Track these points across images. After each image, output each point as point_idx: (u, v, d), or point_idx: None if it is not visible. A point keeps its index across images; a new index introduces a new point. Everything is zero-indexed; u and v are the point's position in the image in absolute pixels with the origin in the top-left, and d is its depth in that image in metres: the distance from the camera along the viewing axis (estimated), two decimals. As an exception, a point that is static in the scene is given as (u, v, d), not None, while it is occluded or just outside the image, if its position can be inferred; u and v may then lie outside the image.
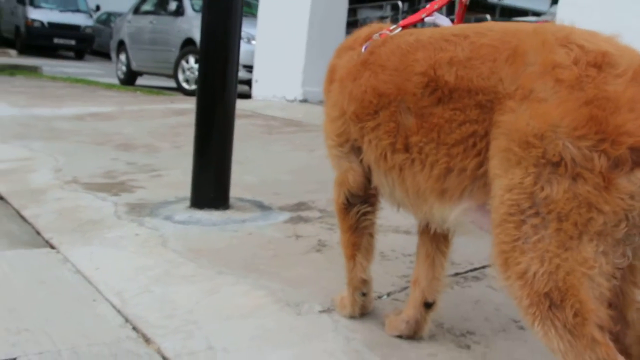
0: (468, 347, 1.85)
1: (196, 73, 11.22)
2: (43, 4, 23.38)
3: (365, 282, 1.94)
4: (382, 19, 15.41)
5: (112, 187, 3.48)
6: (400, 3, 14.43)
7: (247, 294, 2.18)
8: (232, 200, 3.16)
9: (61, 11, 23.21)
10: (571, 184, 1.19)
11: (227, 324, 1.98)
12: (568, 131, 1.18)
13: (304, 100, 6.65)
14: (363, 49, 1.73)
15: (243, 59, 10.10)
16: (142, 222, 2.88)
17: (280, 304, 2.09)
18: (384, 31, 1.75)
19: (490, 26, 1.46)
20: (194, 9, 12.05)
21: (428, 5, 1.80)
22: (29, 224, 2.94)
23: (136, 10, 13.76)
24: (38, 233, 2.82)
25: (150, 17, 13.01)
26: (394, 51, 1.61)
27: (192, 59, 10.71)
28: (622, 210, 1.17)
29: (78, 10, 23.68)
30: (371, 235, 1.90)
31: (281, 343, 1.86)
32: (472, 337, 1.90)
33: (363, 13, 16.02)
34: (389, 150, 1.59)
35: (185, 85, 10.76)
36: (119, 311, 2.08)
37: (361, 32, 1.87)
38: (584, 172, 1.17)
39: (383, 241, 2.61)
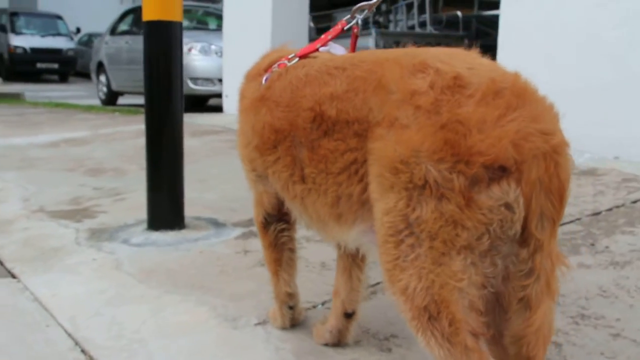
0: (389, 350, 1.97)
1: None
2: (24, 31, 23.58)
3: (290, 295, 2.06)
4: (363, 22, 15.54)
5: (76, 213, 3.61)
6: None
7: (189, 311, 2.31)
8: (188, 220, 3.29)
9: (42, 36, 23.41)
10: (437, 204, 1.28)
11: (169, 341, 2.10)
12: (428, 155, 1.27)
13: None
14: (263, 81, 1.85)
15: (217, 73, 10.25)
16: (100, 247, 3.01)
17: (219, 319, 2.22)
18: (283, 61, 1.86)
19: (365, 57, 1.58)
20: (168, 27, 12.19)
21: (322, 36, 1.92)
22: (-7, 254, 3.07)
23: (113, 31, 13.90)
24: (1, 263, 2.94)
25: (127, 37, 13.13)
26: (286, 87, 1.71)
27: (169, 77, 10.85)
28: (483, 225, 1.27)
29: (59, 34, 23.87)
30: (291, 251, 2.03)
31: (216, 356, 1.99)
32: (395, 340, 2.03)
33: (340, 17, 16.16)
34: (289, 181, 1.71)
35: (163, 102, 10.90)
36: (69, 335, 2.20)
37: (266, 59, 1.98)
38: (447, 192, 1.26)
39: (325, 251, 2.76)
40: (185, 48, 11.44)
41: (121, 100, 13.20)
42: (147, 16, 3.04)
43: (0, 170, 4.90)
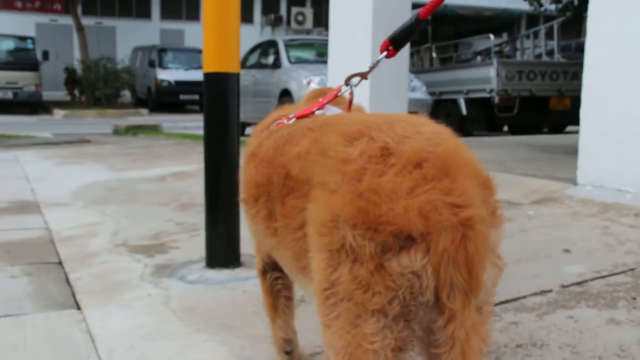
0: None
1: (292, 122, 11.88)
2: (170, 65, 25.42)
3: (286, 341, 2.15)
4: (485, 51, 15.32)
5: (152, 248, 3.89)
6: (492, 36, 14.39)
7: (211, 350, 2.45)
8: (246, 258, 3.46)
9: (186, 70, 25.09)
10: (352, 268, 1.34)
11: (181, 379, 2.26)
12: (345, 220, 1.34)
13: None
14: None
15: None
16: (158, 282, 3.24)
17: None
18: (282, 120, 1.97)
19: (330, 119, 1.66)
20: (289, 62, 12.72)
21: (321, 99, 2.01)
22: (70, 286, 3.39)
23: (243, 64, 14.68)
24: (73, 295, 3.25)
25: (253, 71, 13.85)
26: (271, 145, 1.82)
27: (288, 110, 11.28)
28: (392, 290, 1.32)
29: (201, 67, 25.43)
30: (287, 298, 2.11)
31: (215, 397, 2.12)
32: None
33: (464, 46, 15.97)
34: (267, 233, 1.82)
35: (282, 134, 11.36)
36: (104, 367, 2.42)
37: (271, 116, 2.10)
38: (359, 257, 1.32)
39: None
40: (304, 81, 11.86)
41: (249, 131, 13.86)
42: (206, 68, 3.27)
43: (104, 203, 5.36)
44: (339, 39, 7.51)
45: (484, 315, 1.50)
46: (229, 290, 3.09)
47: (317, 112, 1.98)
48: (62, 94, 26.06)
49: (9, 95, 22.69)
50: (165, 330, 2.68)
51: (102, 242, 4.14)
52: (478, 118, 13.07)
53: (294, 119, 1.92)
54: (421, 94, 11.62)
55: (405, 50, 7.13)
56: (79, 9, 26.35)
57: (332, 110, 2.02)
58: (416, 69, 14.69)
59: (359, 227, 1.32)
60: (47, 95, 24.69)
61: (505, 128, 14.62)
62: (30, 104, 23.01)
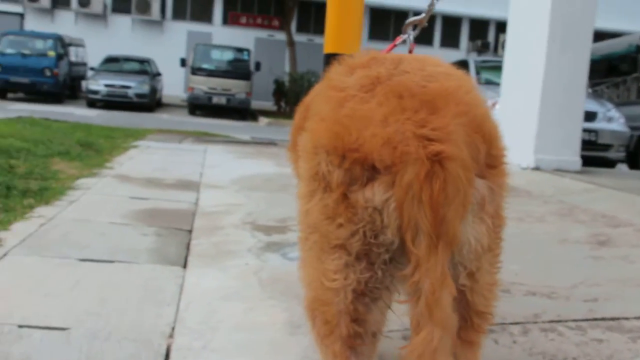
0: None
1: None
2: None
3: None
4: None
5: (273, 229, 4.01)
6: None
7: (272, 314, 2.48)
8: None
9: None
10: (322, 197, 1.31)
11: (231, 334, 2.31)
12: (322, 146, 1.32)
13: (536, 168, 6.47)
14: None
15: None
16: (260, 255, 3.34)
17: (285, 324, 2.36)
18: None
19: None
20: (479, 82, 12.42)
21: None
22: (188, 250, 3.60)
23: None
24: (186, 257, 3.45)
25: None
26: (317, 91, 1.86)
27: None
28: (353, 224, 1.27)
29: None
30: None
31: (253, 352, 2.14)
32: None
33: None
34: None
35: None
36: (176, 314, 2.54)
37: None
38: (329, 185, 1.29)
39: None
40: (490, 102, 11.53)
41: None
42: (326, 49, 3.33)
43: (255, 190, 5.62)
44: (512, 55, 7.21)
45: (480, 285, 1.38)
46: (320, 269, 3.09)
47: None
48: (269, 104, 27.70)
49: (223, 100, 24.56)
50: (242, 294, 2.75)
51: (233, 219, 4.34)
52: (685, 161, 11.72)
53: None
54: (618, 125, 10.69)
55: (584, 62, 6.64)
56: (293, 27, 27.93)
57: None
58: (621, 100, 13.57)
59: (331, 153, 1.30)
60: (256, 104, 26.37)
61: None
62: (240, 110, 24.74)
